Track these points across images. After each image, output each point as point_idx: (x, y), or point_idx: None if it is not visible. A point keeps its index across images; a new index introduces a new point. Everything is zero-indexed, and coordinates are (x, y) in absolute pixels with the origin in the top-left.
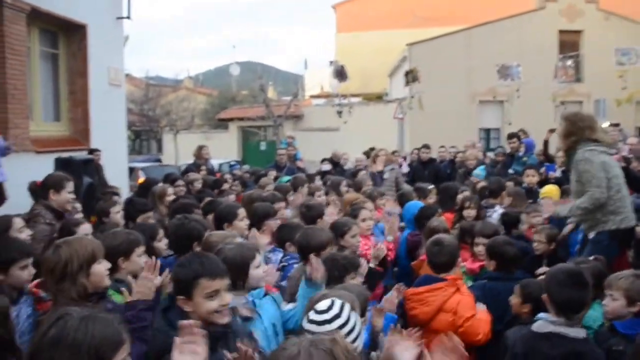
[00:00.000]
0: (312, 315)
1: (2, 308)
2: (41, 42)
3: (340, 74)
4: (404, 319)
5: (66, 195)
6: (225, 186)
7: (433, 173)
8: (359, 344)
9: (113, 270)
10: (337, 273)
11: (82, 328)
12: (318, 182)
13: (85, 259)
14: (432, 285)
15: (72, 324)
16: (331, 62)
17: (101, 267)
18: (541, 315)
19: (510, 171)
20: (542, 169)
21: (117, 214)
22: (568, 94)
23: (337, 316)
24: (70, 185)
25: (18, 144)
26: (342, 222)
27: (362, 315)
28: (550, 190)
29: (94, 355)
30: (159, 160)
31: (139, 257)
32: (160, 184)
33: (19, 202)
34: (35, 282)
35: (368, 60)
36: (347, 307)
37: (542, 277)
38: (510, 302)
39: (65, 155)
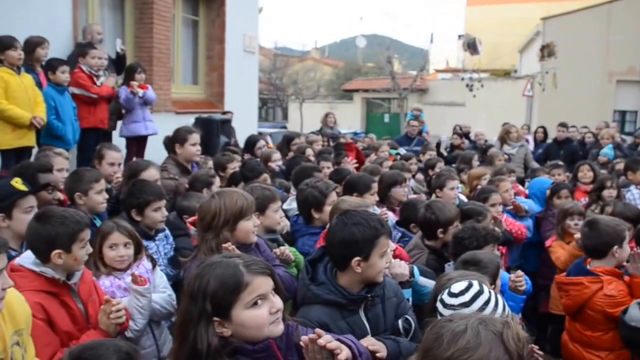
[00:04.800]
0: (448, 299)
1: None
2: (184, 10)
3: (473, 47)
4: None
5: (190, 148)
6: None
7: (569, 153)
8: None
9: None
10: (476, 243)
11: (200, 275)
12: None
13: (233, 213)
14: (574, 278)
15: (196, 271)
16: (460, 36)
17: (249, 224)
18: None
19: None
20: None
21: (233, 169)
22: None
23: (476, 297)
24: (193, 138)
25: (161, 105)
26: (486, 189)
27: (493, 282)
28: None
29: (215, 298)
30: (284, 128)
31: (275, 213)
32: (266, 148)
33: (161, 159)
34: (193, 218)
35: (497, 34)
36: (485, 286)
37: None
38: None
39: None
